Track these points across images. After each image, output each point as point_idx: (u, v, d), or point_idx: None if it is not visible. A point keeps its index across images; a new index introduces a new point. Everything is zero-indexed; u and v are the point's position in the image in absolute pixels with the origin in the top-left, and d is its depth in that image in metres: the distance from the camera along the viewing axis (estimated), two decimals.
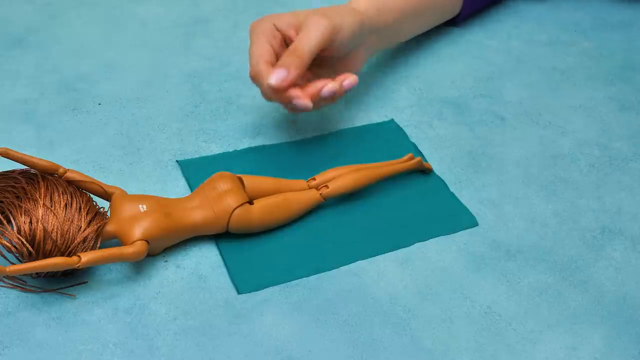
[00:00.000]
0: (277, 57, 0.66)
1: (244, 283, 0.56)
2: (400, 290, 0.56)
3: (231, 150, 0.69)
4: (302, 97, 0.62)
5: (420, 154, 0.70)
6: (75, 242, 0.53)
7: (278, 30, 0.66)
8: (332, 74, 0.71)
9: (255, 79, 0.64)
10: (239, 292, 0.55)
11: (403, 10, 0.76)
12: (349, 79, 0.65)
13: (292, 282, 0.57)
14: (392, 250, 0.60)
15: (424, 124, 0.73)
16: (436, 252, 0.60)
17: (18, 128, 0.70)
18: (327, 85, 0.63)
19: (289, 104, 0.63)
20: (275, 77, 0.61)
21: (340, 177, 0.63)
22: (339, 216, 0.62)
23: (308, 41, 0.63)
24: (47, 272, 0.54)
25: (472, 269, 0.58)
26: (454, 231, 0.62)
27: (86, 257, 0.52)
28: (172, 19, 0.89)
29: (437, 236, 0.61)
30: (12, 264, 0.56)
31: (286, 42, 0.67)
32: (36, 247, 0.52)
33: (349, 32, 0.67)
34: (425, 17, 0.81)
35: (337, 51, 0.68)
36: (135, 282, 0.56)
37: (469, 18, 0.92)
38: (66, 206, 0.54)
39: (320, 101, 0.65)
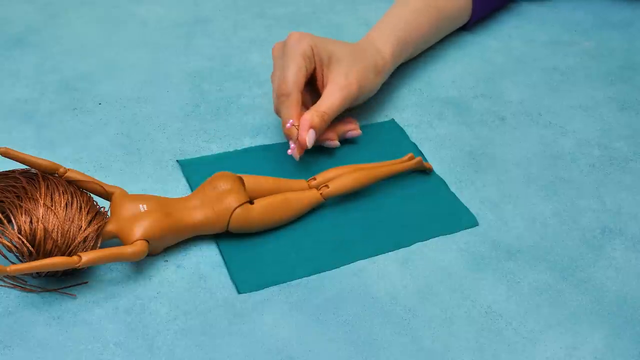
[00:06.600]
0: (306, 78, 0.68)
1: (244, 283, 0.56)
2: (401, 290, 0.56)
3: (231, 150, 0.69)
4: (332, 139, 0.68)
5: (421, 153, 0.70)
6: (76, 241, 0.53)
7: (314, 55, 0.68)
8: None
9: (283, 97, 0.66)
10: (239, 292, 0.55)
11: (421, 38, 0.79)
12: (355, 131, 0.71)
13: (292, 282, 0.57)
14: (393, 250, 0.60)
15: (424, 124, 0.73)
16: (436, 252, 0.60)
17: (18, 128, 0.70)
18: (354, 131, 0.70)
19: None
20: (309, 141, 0.64)
21: (340, 177, 0.63)
22: (339, 216, 0.62)
23: (332, 105, 0.67)
24: (48, 272, 0.54)
25: (472, 269, 0.58)
26: (454, 231, 0.62)
27: (87, 257, 0.53)
28: (173, 19, 0.89)
29: (438, 236, 0.61)
30: (13, 263, 0.56)
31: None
32: (37, 247, 0.52)
33: (371, 89, 0.72)
34: (434, 39, 0.83)
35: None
36: (136, 282, 0.56)
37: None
38: (67, 206, 0.54)
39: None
